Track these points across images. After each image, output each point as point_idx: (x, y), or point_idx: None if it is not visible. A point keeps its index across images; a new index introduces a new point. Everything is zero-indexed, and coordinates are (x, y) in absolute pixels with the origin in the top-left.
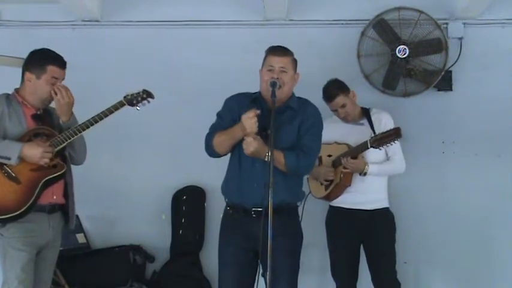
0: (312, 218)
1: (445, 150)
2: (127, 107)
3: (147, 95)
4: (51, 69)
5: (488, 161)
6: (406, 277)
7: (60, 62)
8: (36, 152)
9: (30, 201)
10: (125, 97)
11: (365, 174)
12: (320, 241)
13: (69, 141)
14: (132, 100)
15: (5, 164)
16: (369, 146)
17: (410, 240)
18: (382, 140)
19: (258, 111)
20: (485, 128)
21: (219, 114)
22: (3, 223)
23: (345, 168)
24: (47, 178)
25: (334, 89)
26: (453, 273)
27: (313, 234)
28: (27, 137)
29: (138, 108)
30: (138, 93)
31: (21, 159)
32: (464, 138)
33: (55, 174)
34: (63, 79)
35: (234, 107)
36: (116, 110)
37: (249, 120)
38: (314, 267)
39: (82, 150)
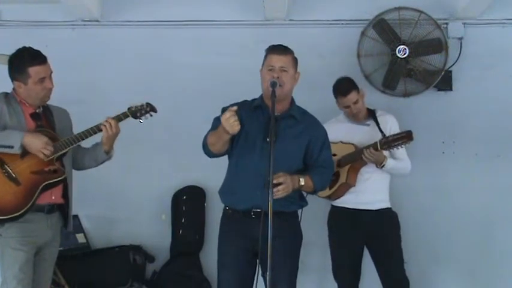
0: (312, 217)
1: (445, 150)
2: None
3: (150, 108)
4: (33, 71)
5: (488, 160)
6: (407, 276)
7: (38, 59)
8: (38, 142)
9: (29, 205)
10: (129, 109)
11: (383, 166)
12: (320, 241)
13: (71, 147)
14: (136, 112)
15: (6, 164)
16: (379, 148)
17: (410, 240)
18: (392, 142)
19: (235, 108)
20: (485, 128)
21: (216, 118)
22: (1, 223)
23: (364, 158)
24: (46, 183)
25: (348, 83)
26: (454, 272)
27: (313, 234)
28: None
29: (141, 121)
30: (142, 106)
31: (23, 147)
32: (464, 138)
33: (55, 180)
34: (51, 73)
35: None
36: (119, 121)
37: (226, 121)
38: (314, 267)
39: (92, 164)
